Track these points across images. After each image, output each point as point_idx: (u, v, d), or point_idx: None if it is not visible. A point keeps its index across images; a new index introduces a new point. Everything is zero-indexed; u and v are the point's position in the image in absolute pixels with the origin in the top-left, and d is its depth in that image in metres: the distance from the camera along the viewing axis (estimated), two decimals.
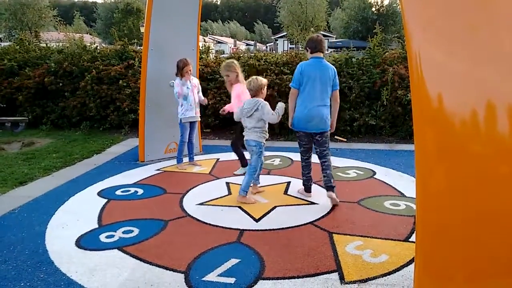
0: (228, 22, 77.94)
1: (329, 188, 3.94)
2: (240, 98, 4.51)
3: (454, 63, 1.94)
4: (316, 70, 3.88)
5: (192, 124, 5.25)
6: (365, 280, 2.63)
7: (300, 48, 8.26)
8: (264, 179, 4.61)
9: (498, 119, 1.85)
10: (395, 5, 35.54)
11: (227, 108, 4.89)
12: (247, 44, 49.07)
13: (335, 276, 2.69)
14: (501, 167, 1.83)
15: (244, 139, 4.15)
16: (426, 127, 1.95)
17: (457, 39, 1.94)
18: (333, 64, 7.35)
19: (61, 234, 3.37)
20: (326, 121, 3.95)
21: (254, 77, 4.08)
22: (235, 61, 4.93)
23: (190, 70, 5.04)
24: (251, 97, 4.06)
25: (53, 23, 25.27)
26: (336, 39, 36.35)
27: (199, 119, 5.39)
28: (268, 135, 4.17)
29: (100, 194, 4.33)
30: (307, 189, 4.23)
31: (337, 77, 4.03)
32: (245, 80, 4.55)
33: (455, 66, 1.94)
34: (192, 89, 5.11)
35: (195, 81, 5.28)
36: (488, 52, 1.89)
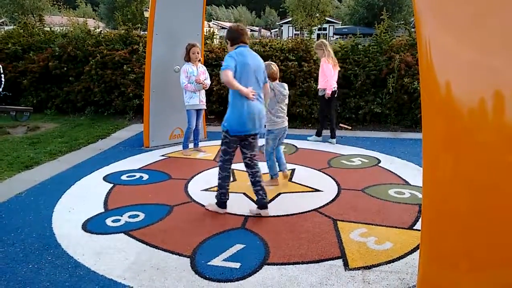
0: (233, 8, 77.00)
1: (264, 206, 3.46)
2: (324, 74, 5.61)
3: (464, 51, 1.91)
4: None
5: (198, 111, 5.25)
6: (369, 267, 2.65)
7: (305, 35, 8.16)
8: None
9: (507, 108, 1.83)
10: None
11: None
12: (251, 30, 48.60)
13: (339, 262, 2.72)
14: (509, 156, 1.82)
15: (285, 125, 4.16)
16: (434, 115, 1.93)
17: (468, 27, 1.91)
18: (338, 51, 7.37)
19: (68, 218, 3.40)
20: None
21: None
22: (325, 41, 5.83)
23: (197, 53, 5.03)
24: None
25: (54, 8, 25.00)
26: (341, 25, 35.95)
27: (205, 107, 5.37)
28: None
29: (106, 179, 4.36)
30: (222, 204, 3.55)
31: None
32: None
33: (465, 54, 1.91)
34: (198, 76, 5.09)
35: (203, 68, 5.25)
36: (498, 40, 1.86)
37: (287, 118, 4.17)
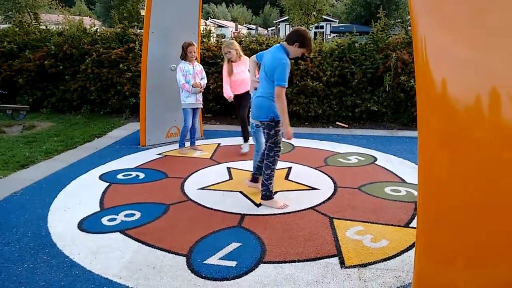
0: (233, 6, 76.62)
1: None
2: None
3: (460, 49, 1.91)
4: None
5: (194, 110, 5.24)
6: (365, 265, 2.66)
7: None
8: None
9: (503, 106, 1.83)
10: None
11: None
12: (249, 28, 48.46)
13: (335, 260, 2.72)
14: (504, 153, 1.82)
15: None
16: (430, 113, 1.93)
17: (463, 24, 1.91)
18: (335, 49, 7.37)
19: (64, 217, 3.39)
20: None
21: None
22: (234, 41, 5.36)
23: (194, 52, 5.01)
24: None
25: (50, 5, 24.90)
26: (338, 23, 35.98)
27: (201, 106, 5.36)
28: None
29: (102, 177, 4.34)
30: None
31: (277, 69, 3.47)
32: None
33: (461, 51, 1.91)
34: (194, 75, 5.08)
35: (199, 67, 5.24)
36: (494, 38, 1.86)
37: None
